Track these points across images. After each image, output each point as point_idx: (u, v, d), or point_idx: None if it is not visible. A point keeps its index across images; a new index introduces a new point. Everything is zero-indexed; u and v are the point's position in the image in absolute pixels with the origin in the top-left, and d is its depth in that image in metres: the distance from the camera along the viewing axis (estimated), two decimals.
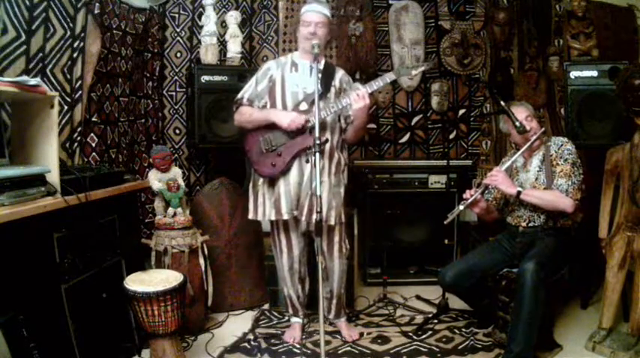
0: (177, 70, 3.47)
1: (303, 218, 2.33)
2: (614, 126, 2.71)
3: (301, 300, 2.61)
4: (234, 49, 3.25)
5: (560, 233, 2.37)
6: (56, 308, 1.81)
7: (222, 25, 3.35)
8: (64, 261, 1.85)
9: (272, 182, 2.39)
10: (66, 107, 2.41)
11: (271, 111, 2.39)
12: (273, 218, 2.39)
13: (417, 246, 3.47)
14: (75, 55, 2.45)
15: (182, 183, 2.63)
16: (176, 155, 3.47)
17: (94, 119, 2.60)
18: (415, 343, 2.48)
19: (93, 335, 1.96)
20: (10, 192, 1.62)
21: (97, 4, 2.57)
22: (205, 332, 2.61)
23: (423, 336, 2.56)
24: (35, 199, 1.73)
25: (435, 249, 3.39)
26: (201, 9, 3.35)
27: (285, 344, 2.49)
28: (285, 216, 2.35)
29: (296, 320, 2.62)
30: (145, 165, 3.16)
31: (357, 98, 2.23)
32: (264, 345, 2.46)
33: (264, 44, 3.65)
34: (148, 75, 3.27)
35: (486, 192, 2.56)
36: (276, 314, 2.88)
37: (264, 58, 3.64)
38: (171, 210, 2.57)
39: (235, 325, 2.74)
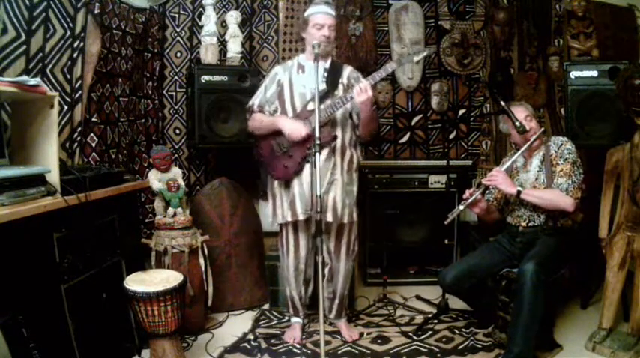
0: (177, 70, 3.47)
1: (318, 217, 2.33)
2: (614, 126, 2.70)
3: (303, 301, 2.61)
4: (234, 49, 3.25)
5: (560, 233, 2.37)
6: (56, 308, 1.80)
7: (222, 25, 3.35)
8: (64, 261, 1.84)
9: (287, 184, 2.40)
10: (66, 107, 2.41)
11: (277, 119, 2.41)
12: (289, 219, 2.39)
13: (417, 246, 3.47)
14: (75, 55, 2.45)
15: (182, 183, 2.63)
16: (176, 155, 3.46)
17: (94, 119, 2.60)
18: (415, 343, 2.48)
19: (93, 335, 1.96)
20: (10, 192, 1.62)
21: (97, 4, 2.57)
22: (205, 332, 2.61)
23: (423, 336, 2.56)
24: (35, 199, 1.72)
25: (435, 249, 3.39)
26: (201, 9, 3.35)
27: (285, 344, 2.49)
28: (301, 217, 2.36)
29: (296, 320, 2.62)
30: (145, 165, 3.16)
31: (360, 91, 2.21)
32: (264, 345, 2.46)
33: (264, 44, 3.65)
34: (148, 75, 3.27)
35: (487, 192, 2.56)
36: (276, 314, 2.88)
37: (264, 58, 3.64)
38: (171, 210, 2.57)
39: (235, 325, 2.74)
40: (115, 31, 2.79)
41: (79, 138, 2.49)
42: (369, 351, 2.42)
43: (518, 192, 2.31)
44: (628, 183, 2.32)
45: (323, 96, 2.30)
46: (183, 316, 2.14)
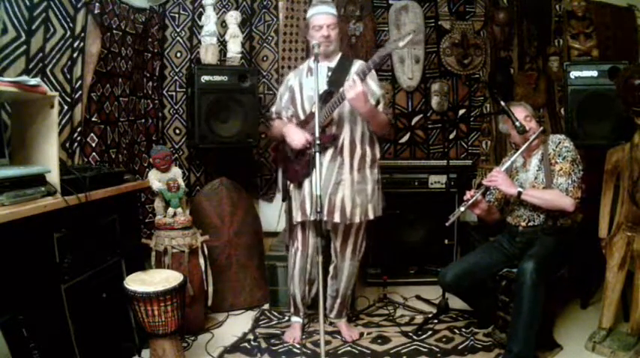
0: (177, 70, 3.47)
1: (325, 218, 2.33)
2: (614, 126, 2.71)
3: (305, 301, 2.61)
4: (234, 49, 3.25)
5: (560, 232, 2.37)
6: (56, 308, 1.80)
7: (222, 25, 3.35)
8: (64, 261, 1.84)
9: (300, 186, 2.43)
10: (66, 107, 2.41)
11: (284, 127, 2.45)
12: (299, 219, 2.41)
13: (417, 246, 3.47)
14: (75, 55, 2.45)
15: (182, 183, 2.63)
16: (176, 155, 3.46)
17: (94, 119, 2.60)
18: (415, 343, 2.48)
19: (93, 335, 1.96)
20: (10, 192, 1.62)
21: (97, 4, 2.57)
22: (205, 332, 2.61)
23: (423, 336, 2.56)
24: (35, 199, 1.72)
25: (435, 249, 3.39)
26: (201, 9, 3.35)
27: (285, 344, 2.49)
28: (310, 217, 2.36)
29: (296, 320, 2.62)
30: (145, 165, 3.16)
31: (348, 87, 2.15)
32: (264, 345, 2.46)
33: (264, 44, 3.65)
34: (148, 75, 3.27)
35: (488, 193, 2.56)
36: (276, 314, 2.88)
37: (264, 58, 3.64)
38: (171, 210, 2.57)
39: (235, 325, 2.74)
40: (115, 31, 2.79)
41: (79, 138, 2.49)
42: (369, 351, 2.42)
43: (519, 193, 2.31)
44: (628, 183, 2.32)
45: (327, 97, 2.30)
46: (183, 316, 2.14)
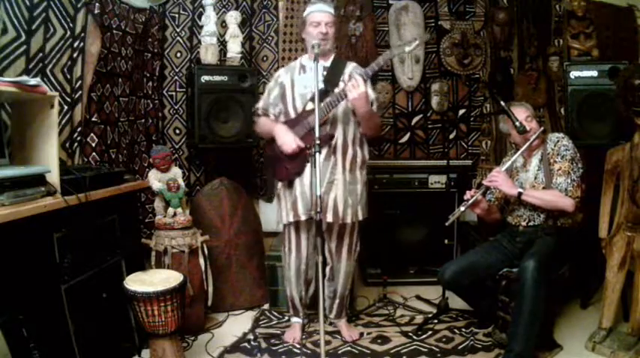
0: (177, 70, 3.47)
1: (318, 218, 2.32)
2: (614, 126, 2.71)
3: (303, 302, 2.61)
4: (234, 49, 3.25)
5: (560, 232, 2.37)
6: (56, 308, 1.80)
7: (222, 25, 3.35)
8: (64, 261, 1.84)
9: (290, 185, 2.40)
10: (66, 107, 2.41)
11: (275, 127, 2.41)
12: (291, 219, 2.39)
13: (417, 246, 3.47)
14: (75, 55, 2.45)
15: (182, 183, 2.63)
16: (176, 155, 3.46)
17: (94, 119, 2.60)
18: (415, 343, 2.48)
19: (93, 335, 1.96)
20: (10, 192, 1.62)
21: (97, 4, 2.57)
22: (205, 332, 2.61)
23: (423, 336, 2.56)
24: (35, 199, 1.72)
25: (435, 249, 3.39)
26: (201, 9, 3.35)
27: (285, 344, 2.49)
28: (303, 217, 2.35)
29: (296, 320, 2.62)
30: (145, 165, 3.16)
31: (351, 87, 2.17)
32: (264, 345, 2.46)
33: (264, 44, 3.65)
34: (148, 75, 3.27)
35: (488, 192, 2.56)
36: (276, 314, 2.88)
37: (264, 58, 3.64)
38: (171, 210, 2.57)
39: (235, 325, 2.74)
40: (115, 31, 2.79)
41: (79, 138, 2.49)
42: (369, 351, 2.42)
43: (519, 194, 2.31)
44: (628, 183, 2.32)
45: (322, 96, 2.30)
46: (183, 316, 2.14)
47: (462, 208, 2.42)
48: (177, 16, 3.45)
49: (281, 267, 2.87)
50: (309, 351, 2.42)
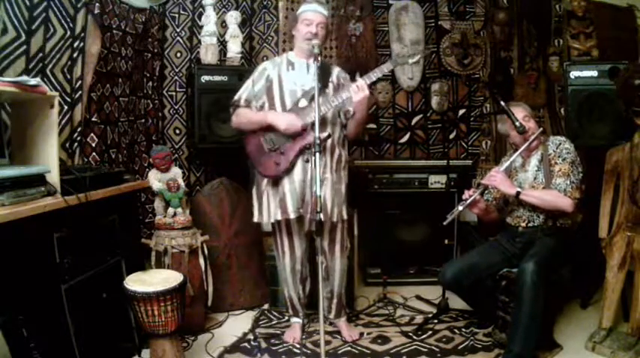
0: (177, 70, 3.47)
1: (309, 215, 2.32)
2: (614, 126, 2.70)
3: (302, 301, 2.61)
4: (234, 49, 3.25)
5: (560, 233, 2.37)
6: (56, 308, 1.80)
7: (222, 25, 3.35)
8: (64, 261, 1.84)
9: (276, 182, 2.37)
10: (66, 107, 2.41)
11: (268, 114, 2.37)
12: (279, 218, 2.36)
13: (417, 246, 3.47)
14: (75, 55, 2.45)
15: (182, 183, 2.63)
16: (176, 155, 3.46)
17: (94, 119, 2.60)
18: (415, 343, 2.48)
19: (93, 335, 1.96)
20: (10, 192, 1.62)
21: (97, 4, 2.57)
22: (205, 332, 2.61)
23: (423, 336, 2.56)
24: (35, 199, 1.72)
25: (435, 249, 3.39)
26: (201, 9, 3.35)
27: (285, 344, 2.49)
28: (292, 215, 2.34)
29: (296, 320, 2.62)
30: (145, 165, 3.16)
31: (357, 89, 2.22)
32: (264, 345, 2.46)
33: (264, 44, 3.65)
34: (148, 75, 3.27)
35: (486, 192, 2.56)
36: (276, 314, 2.88)
37: (264, 58, 3.64)
38: (171, 210, 2.57)
39: (235, 325, 2.74)
40: (115, 31, 2.79)
41: (79, 138, 2.49)
42: (369, 351, 2.42)
43: (518, 193, 2.31)
44: (628, 183, 2.32)
45: (313, 95, 2.30)
46: (183, 316, 2.14)
47: (460, 207, 2.42)
48: (177, 16, 3.45)
49: None
50: (309, 351, 2.42)
